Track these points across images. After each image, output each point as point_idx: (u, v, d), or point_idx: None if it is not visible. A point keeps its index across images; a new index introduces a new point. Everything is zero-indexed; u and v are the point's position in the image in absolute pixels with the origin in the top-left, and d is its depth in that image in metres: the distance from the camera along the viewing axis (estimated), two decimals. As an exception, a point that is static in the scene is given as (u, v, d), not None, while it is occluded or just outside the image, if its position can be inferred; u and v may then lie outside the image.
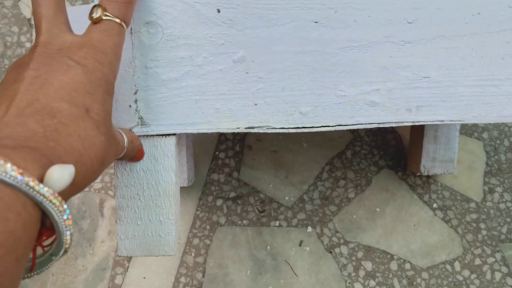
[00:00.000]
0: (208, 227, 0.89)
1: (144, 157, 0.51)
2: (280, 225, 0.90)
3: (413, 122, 0.53)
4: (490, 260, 0.90)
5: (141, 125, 0.50)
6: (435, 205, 0.93)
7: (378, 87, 0.52)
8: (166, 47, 0.49)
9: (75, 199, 0.90)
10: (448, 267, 0.89)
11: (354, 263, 0.89)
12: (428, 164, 0.86)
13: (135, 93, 0.50)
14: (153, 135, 0.51)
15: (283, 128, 0.52)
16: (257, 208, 0.91)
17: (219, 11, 0.49)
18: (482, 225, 0.92)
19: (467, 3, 0.51)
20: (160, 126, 0.51)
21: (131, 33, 0.49)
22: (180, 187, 0.86)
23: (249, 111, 0.51)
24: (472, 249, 0.91)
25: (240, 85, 0.51)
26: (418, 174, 0.93)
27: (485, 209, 0.94)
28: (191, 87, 0.50)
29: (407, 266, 0.89)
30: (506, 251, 0.91)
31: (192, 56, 0.50)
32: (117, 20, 0.42)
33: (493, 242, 0.91)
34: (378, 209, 0.93)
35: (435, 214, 0.93)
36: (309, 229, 0.90)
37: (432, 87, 0.52)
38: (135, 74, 0.49)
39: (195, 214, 0.90)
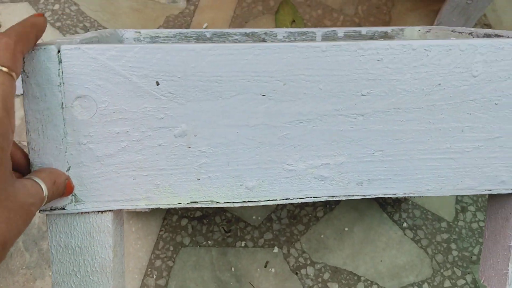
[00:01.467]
0: (171, 248, 0.87)
1: (79, 234, 0.48)
2: (246, 246, 0.88)
3: (363, 195, 0.50)
4: (461, 282, 0.89)
5: (75, 202, 0.47)
6: (405, 225, 0.91)
7: (327, 161, 0.49)
8: (101, 122, 0.46)
9: (36, 218, 0.88)
10: (416, 289, 0.88)
11: (320, 284, 0.87)
12: (398, 187, 0.83)
13: (68, 170, 0.46)
14: (88, 212, 0.48)
15: (228, 202, 0.49)
16: (223, 228, 0.89)
17: (158, 84, 0.45)
18: (453, 246, 0.91)
19: (427, 73, 0.47)
20: (95, 203, 0.48)
21: (62, 108, 0.45)
22: (142, 210, 0.84)
23: (191, 186, 0.48)
24: (442, 270, 0.90)
25: (181, 160, 0.48)
26: (387, 196, 0.91)
27: (457, 229, 0.92)
28: (128, 163, 0.47)
29: (374, 288, 0.88)
30: (477, 273, 0.90)
31: (129, 131, 0.46)
32: (4, 69, 0.37)
33: (464, 264, 0.90)
34: (346, 229, 0.91)
35: (405, 234, 0.91)
36: (276, 249, 0.89)
37: (385, 161, 0.49)
38: (67, 151, 0.46)
39: (159, 234, 0.88)
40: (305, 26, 1.05)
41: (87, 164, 0.47)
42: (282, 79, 0.46)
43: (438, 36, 0.72)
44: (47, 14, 0.99)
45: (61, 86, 0.44)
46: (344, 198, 0.50)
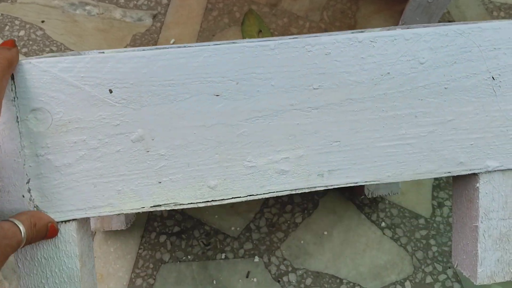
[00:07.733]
0: (151, 265, 0.87)
1: (44, 245, 0.48)
2: (226, 257, 0.88)
3: (326, 186, 0.51)
4: (442, 277, 0.89)
5: None
6: (383, 224, 0.92)
7: (287, 155, 0.50)
8: (57, 132, 0.47)
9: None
10: (399, 287, 0.88)
11: (303, 290, 0.87)
12: (371, 187, 0.84)
13: (27, 182, 0.47)
14: None
15: (191, 203, 0.50)
16: (202, 242, 0.89)
17: (111, 92, 0.46)
18: (432, 241, 0.91)
19: (375, 63, 0.48)
20: (58, 213, 0.48)
21: (17, 122, 0.45)
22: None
23: (153, 189, 0.49)
24: (422, 267, 0.90)
25: (141, 164, 0.48)
26: (362, 197, 0.92)
27: (435, 225, 0.93)
28: (87, 171, 0.48)
29: (357, 289, 0.88)
30: (456, 266, 0.90)
31: (86, 140, 0.47)
32: None
33: (444, 258, 0.90)
34: (325, 233, 0.91)
35: (384, 233, 0.92)
36: (256, 259, 0.89)
37: (343, 150, 0.50)
38: (25, 163, 0.46)
39: (138, 252, 0.88)
40: (272, 35, 1.07)
41: (46, 175, 0.47)
42: (234, 78, 0.47)
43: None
44: (11, 42, 1.00)
45: (14, 101, 0.45)
46: (306, 191, 0.51)
